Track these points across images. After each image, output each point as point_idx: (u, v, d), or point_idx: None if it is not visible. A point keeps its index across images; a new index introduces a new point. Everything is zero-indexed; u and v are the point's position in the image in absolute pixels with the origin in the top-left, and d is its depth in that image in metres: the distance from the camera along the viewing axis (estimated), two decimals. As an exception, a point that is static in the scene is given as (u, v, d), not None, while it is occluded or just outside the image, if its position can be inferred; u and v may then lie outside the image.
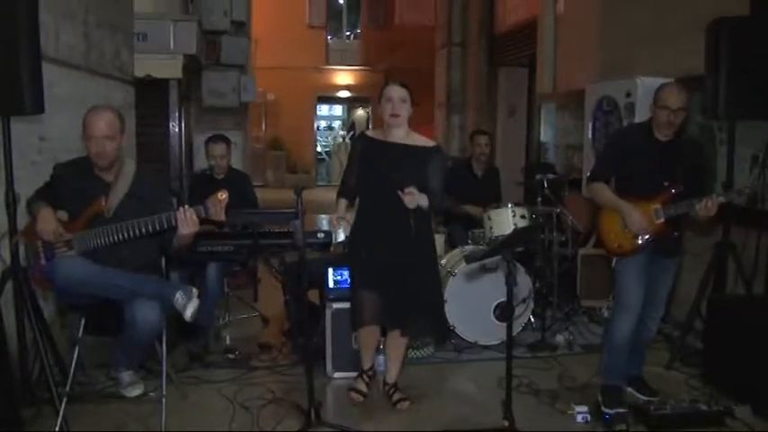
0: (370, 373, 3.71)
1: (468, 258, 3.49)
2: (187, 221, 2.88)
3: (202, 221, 2.94)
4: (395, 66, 16.11)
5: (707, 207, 3.24)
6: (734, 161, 4.08)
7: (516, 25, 8.73)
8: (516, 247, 3.16)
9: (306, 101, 18.22)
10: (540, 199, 4.96)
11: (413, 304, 3.44)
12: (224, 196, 2.84)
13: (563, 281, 5.09)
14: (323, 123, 19.84)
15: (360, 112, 19.51)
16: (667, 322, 4.77)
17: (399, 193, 3.22)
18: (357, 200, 3.56)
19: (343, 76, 18.54)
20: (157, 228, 2.94)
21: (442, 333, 3.98)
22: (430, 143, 3.50)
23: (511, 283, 3.09)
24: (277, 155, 17.71)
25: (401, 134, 3.44)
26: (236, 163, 8.88)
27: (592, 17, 6.29)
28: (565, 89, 6.90)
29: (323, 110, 19.69)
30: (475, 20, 9.91)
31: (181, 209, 2.92)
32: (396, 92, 3.40)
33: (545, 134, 7.92)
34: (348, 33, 19.34)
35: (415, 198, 3.23)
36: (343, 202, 3.53)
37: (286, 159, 17.82)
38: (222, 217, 2.84)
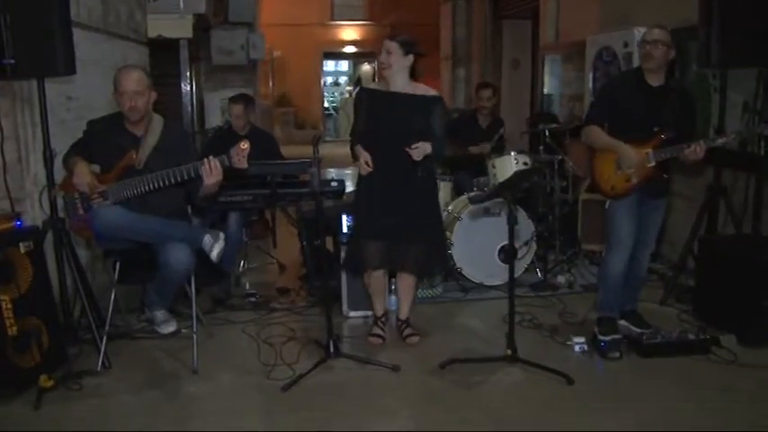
0: (383, 319, 3.95)
1: (473, 200, 3.72)
2: (212, 171, 3.13)
3: (226, 171, 3.19)
4: (400, 20, 16.06)
5: (695, 152, 3.46)
6: (725, 107, 4.27)
7: (520, -23, 8.80)
8: (515, 188, 3.38)
9: (312, 57, 18.23)
10: (542, 147, 5.19)
11: (417, 245, 3.64)
12: (246, 146, 3.09)
13: (565, 225, 5.33)
14: (329, 79, 19.86)
15: (366, 68, 19.49)
16: (662, 263, 5.05)
17: (407, 149, 3.40)
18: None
19: (349, 32, 18.48)
20: (185, 177, 3.20)
21: (446, 269, 4.21)
22: (432, 92, 3.66)
23: (512, 222, 3.35)
24: (285, 111, 17.80)
25: (401, 83, 3.57)
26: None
27: (593, -32, 6.39)
28: (567, 41, 7.02)
29: (329, 65, 19.68)
30: (478, -27, 9.96)
31: (205, 159, 3.17)
32: (384, 44, 3.57)
33: (549, 85, 8.06)
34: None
35: (421, 150, 3.43)
36: (361, 146, 3.59)
37: (294, 116, 17.93)
38: (245, 165, 3.09)
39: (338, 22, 18.41)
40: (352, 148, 3.67)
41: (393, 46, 3.55)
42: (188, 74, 8.22)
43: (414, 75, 3.64)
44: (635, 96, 3.57)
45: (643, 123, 3.56)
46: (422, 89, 3.64)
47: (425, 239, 3.67)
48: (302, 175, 4.26)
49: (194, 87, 8.76)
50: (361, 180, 3.68)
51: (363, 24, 18.39)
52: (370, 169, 3.52)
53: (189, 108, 8.40)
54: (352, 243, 3.81)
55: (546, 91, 8.17)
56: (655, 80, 3.55)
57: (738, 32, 3.98)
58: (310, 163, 3.33)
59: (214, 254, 3.30)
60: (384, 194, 3.58)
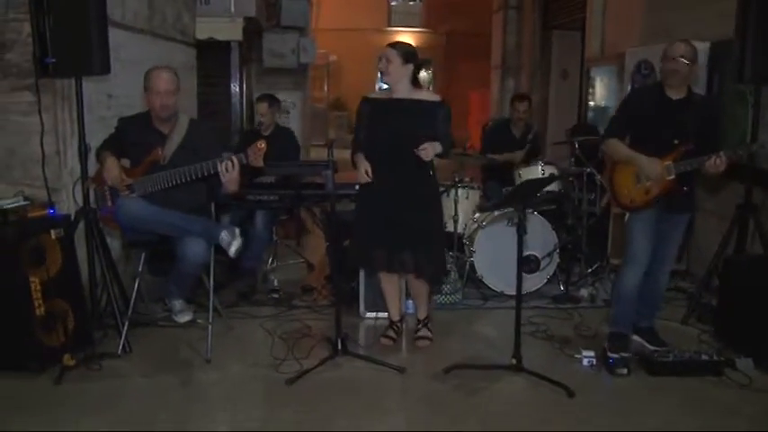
0: (399, 324, 4.00)
1: (482, 208, 3.75)
2: (229, 168, 3.28)
3: (244, 168, 3.34)
4: (456, 28, 16.16)
5: (715, 164, 3.41)
6: (758, 122, 4.17)
7: (569, -12, 8.73)
8: (524, 198, 3.39)
9: (368, 62, 18.39)
10: (572, 159, 5.16)
11: (418, 251, 3.64)
12: (262, 145, 3.23)
13: (594, 238, 5.28)
14: (384, 85, 20.03)
15: (422, 74, 19.56)
16: (692, 282, 4.94)
17: (416, 151, 3.46)
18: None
19: (405, 38, 18.58)
20: (204, 173, 3.36)
21: (443, 271, 4.16)
22: (435, 98, 3.71)
23: (521, 232, 3.37)
24: (339, 115, 18.09)
25: (403, 90, 3.63)
26: (295, 122, 9.38)
27: (638, -19, 6.32)
28: (612, 53, 6.94)
29: (385, 71, 19.87)
30: (530, -17, 9.92)
31: (225, 156, 3.32)
32: (384, 52, 3.63)
33: (600, 97, 7.97)
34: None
35: (429, 150, 3.48)
36: (361, 155, 3.65)
37: (348, 119, 18.18)
38: (260, 163, 3.23)
39: (395, 29, 18.59)
40: (352, 157, 3.72)
41: (392, 54, 3.60)
42: (238, 75, 8.48)
43: (415, 83, 3.69)
44: (655, 109, 3.55)
45: (663, 136, 3.53)
46: (425, 95, 3.70)
47: (426, 246, 3.67)
48: (317, 177, 4.36)
49: (244, 88, 9.03)
50: (363, 186, 3.70)
51: (420, 31, 18.51)
52: (369, 179, 3.57)
53: (237, 108, 8.68)
54: (353, 244, 3.84)
55: (595, 103, 8.07)
56: (675, 93, 3.52)
57: (773, 49, 3.91)
58: (325, 165, 3.43)
59: (232, 249, 3.44)
60: (388, 201, 3.62)
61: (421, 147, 3.47)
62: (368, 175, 3.58)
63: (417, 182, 3.63)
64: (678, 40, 3.57)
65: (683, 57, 3.46)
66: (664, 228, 3.66)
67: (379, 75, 3.66)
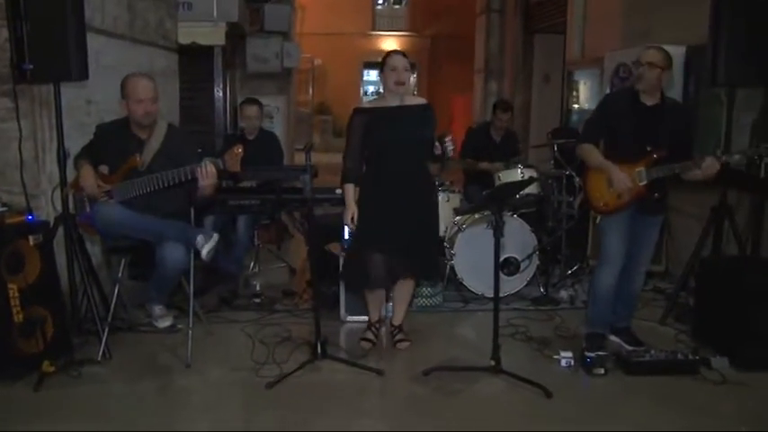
0: (377, 325, 4.03)
1: (459, 211, 3.78)
2: (205, 174, 3.30)
3: (221, 173, 3.35)
4: (441, 32, 16.23)
5: (707, 168, 3.45)
6: (731, 126, 4.24)
7: (551, -9, 8.81)
8: (501, 200, 3.43)
9: (352, 66, 18.52)
10: (552, 162, 5.22)
11: (417, 251, 3.70)
12: (239, 150, 3.25)
13: (573, 240, 5.34)
14: (370, 88, 20.11)
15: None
16: (671, 282, 5.00)
17: (438, 146, 3.55)
18: (364, 167, 3.74)
19: (390, 42, 18.71)
20: (182, 179, 3.38)
21: (437, 272, 4.30)
22: (422, 101, 3.79)
23: (497, 235, 3.41)
24: (324, 119, 18.14)
25: (398, 98, 3.68)
26: (279, 126, 9.38)
27: (617, -15, 6.39)
28: (592, 56, 7.02)
29: (370, 75, 19.94)
30: (512, -14, 10.00)
31: (203, 162, 3.34)
32: (400, 61, 3.66)
33: (583, 101, 8.03)
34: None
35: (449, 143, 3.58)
36: (352, 188, 3.68)
37: (332, 123, 18.23)
38: (237, 168, 3.25)
39: (379, 33, 18.65)
40: (342, 181, 3.72)
41: (407, 63, 3.68)
42: (221, 80, 8.48)
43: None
44: (628, 115, 3.59)
45: (636, 142, 3.57)
46: (416, 100, 3.77)
47: (425, 247, 3.76)
48: (297, 181, 4.38)
49: (228, 93, 9.03)
50: (364, 192, 3.71)
51: (404, 35, 18.57)
52: (352, 227, 3.68)
53: (221, 113, 8.68)
54: (351, 257, 3.85)
55: (579, 106, 8.13)
56: (649, 99, 3.57)
57: (745, 52, 3.98)
58: (303, 170, 3.46)
59: (204, 251, 3.46)
60: (390, 208, 3.65)
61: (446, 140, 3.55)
62: (352, 221, 3.67)
63: (421, 185, 3.71)
64: (650, 45, 3.62)
65: (653, 62, 3.51)
66: (637, 229, 3.71)
67: (383, 82, 3.71)
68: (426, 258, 3.81)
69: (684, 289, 4.43)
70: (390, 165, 3.66)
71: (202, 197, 3.52)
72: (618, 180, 3.55)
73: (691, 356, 3.62)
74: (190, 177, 3.37)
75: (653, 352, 3.66)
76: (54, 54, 3.46)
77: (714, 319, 3.89)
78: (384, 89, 3.73)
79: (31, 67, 3.47)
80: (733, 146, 4.21)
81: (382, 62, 3.70)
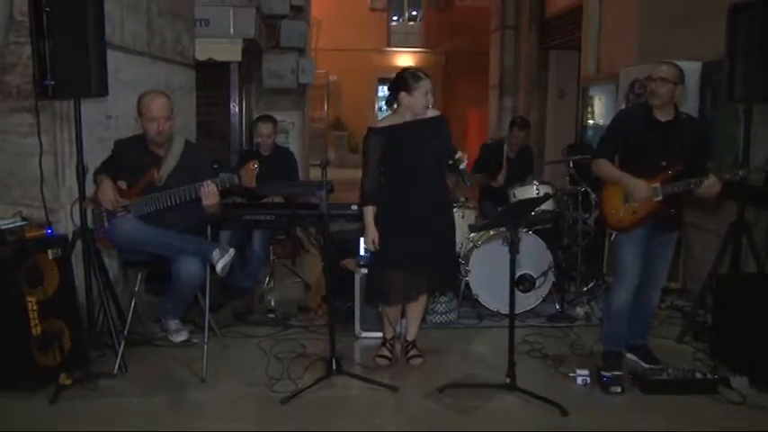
0: (392, 342, 4.01)
1: (473, 228, 3.79)
2: (208, 193, 3.34)
3: (237, 189, 3.38)
4: (455, 48, 16.29)
5: (709, 187, 3.43)
6: (749, 141, 4.21)
7: (565, 9, 8.82)
8: (514, 217, 3.43)
9: (367, 82, 18.61)
10: (567, 178, 5.21)
11: (437, 265, 3.74)
12: (255, 166, 3.28)
13: (589, 257, 5.31)
14: (384, 104, 20.18)
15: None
16: (688, 300, 4.95)
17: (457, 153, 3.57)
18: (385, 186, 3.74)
19: (404, 58, 18.78)
20: (188, 197, 3.42)
21: (455, 285, 4.38)
22: (436, 113, 3.80)
23: (513, 251, 3.40)
24: (339, 135, 18.21)
25: (411, 113, 3.69)
26: (294, 142, 9.44)
27: (632, 2, 6.40)
28: (607, 72, 7.01)
29: (384, 91, 19.98)
30: (527, 3, 10.02)
31: (205, 182, 3.37)
32: (428, 85, 3.68)
33: (599, 116, 8.02)
34: (414, 13, 19.59)
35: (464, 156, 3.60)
36: (372, 211, 3.68)
37: (347, 139, 18.30)
38: (253, 184, 3.28)
39: (394, 49, 18.75)
40: (361, 204, 3.74)
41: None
42: (237, 95, 8.56)
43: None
44: (643, 131, 3.59)
45: (651, 158, 3.56)
46: (429, 112, 3.74)
47: (445, 260, 3.82)
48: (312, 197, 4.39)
49: (244, 109, 9.10)
50: (383, 208, 3.70)
51: (419, 51, 18.66)
52: (375, 249, 3.68)
53: (237, 128, 8.75)
54: (373, 273, 3.87)
55: (594, 122, 8.12)
56: (663, 115, 3.57)
57: (762, 67, 3.96)
58: (319, 186, 3.47)
59: (219, 266, 3.49)
60: (410, 223, 3.66)
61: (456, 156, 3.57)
62: (374, 244, 3.67)
63: (439, 198, 3.74)
64: (663, 61, 3.62)
65: (665, 77, 3.51)
66: (653, 245, 3.69)
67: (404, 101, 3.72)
68: (447, 272, 3.88)
69: (702, 306, 4.38)
70: (409, 180, 3.67)
71: (208, 215, 3.55)
72: (636, 189, 3.53)
73: (709, 375, 3.58)
74: (194, 196, 3.41)
75: (670, 370, 3.61)
76: (75, 71, 3.52)
77: (733, 337, 3.84)
78: (398, 106, 3.73)
79: (53, 83, 3.51)
80: (751, 161, 4.18)
81: (407, 83, 3.65)
